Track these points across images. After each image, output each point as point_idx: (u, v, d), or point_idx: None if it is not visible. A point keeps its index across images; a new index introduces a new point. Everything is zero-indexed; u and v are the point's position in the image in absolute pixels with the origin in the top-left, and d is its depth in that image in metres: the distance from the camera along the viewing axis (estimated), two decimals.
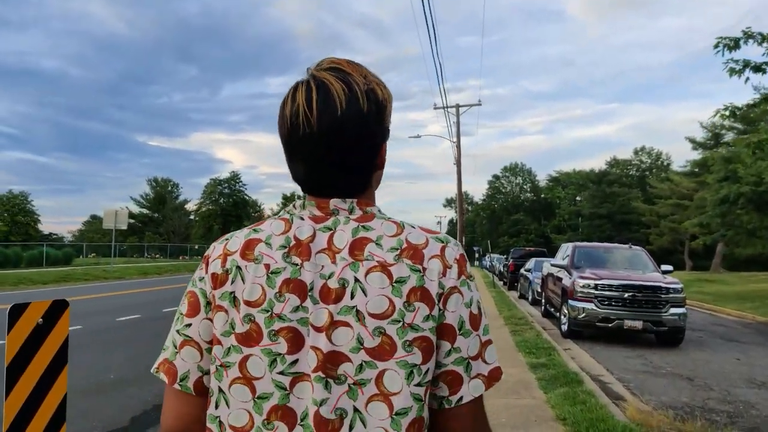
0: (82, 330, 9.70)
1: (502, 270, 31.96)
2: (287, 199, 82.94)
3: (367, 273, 0.87)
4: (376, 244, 0.89)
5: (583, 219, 68.48)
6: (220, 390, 0.89)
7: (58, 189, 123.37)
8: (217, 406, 0.90)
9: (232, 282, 0.90)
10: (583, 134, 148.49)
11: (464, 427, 0.90)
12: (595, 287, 9.88)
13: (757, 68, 12.51)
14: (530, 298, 17.98)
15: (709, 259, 44.48)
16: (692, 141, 46.85)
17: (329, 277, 0.87)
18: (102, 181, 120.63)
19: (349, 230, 0.91)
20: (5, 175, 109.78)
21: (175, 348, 0.95)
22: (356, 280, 0.86)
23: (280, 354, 0.86)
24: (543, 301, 14.04)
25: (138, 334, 9.67)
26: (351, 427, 0.84)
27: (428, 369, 0.86)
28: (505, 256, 35.83)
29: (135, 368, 6.92)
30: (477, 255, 56.62)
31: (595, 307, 9.79)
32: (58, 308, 2.53)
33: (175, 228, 72.14)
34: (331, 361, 0.84)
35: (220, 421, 0.89)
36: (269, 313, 0.87)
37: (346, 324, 0.85)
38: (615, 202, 65.20)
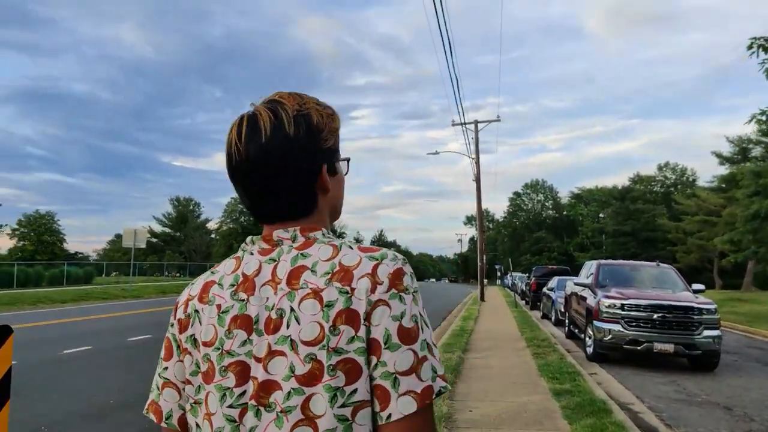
0: (90, 351, 9.49)
1: (524, 289, 31.36)
2: None
3: (300, 301, 0.87)
4: (311, 270, 0.90)
5: (607, 236, 67.20)
6: (197, 425, 0.94)
7: (86, 209, 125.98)
8: None
9: (192, 325, 0.95)
10: (605, 151, 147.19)
11: None
12: (622, 307, 9.37)
13: None
14: (553, 318, 17.44)
15: (739, 278, 43.17)
16: (719, 156, 45.77)
17: (272, 309, 0.89)
18: (128, 201, 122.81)
19: (289, 259, 0.92)
20: (35, 196, 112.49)
21: (158, 390, 1.00)
22: (291, 309, 0.87)
23: (228, 388, 0.89)
24: (566, 321, 13.50)
25: (146, 355, 9.38)
26: None
27: (355, 389, 0.84)
28: (527, 275, 35.20)
29: (136, 391, 6.62)
30: (498, 273, 56.04)
31: (622, 329, 9.27)
32: None
33: (196, 247, 72.52)
34: (264, 390, 0.86)
35: None
36: (220, 350, 0.90)
37: (282, 353, 0.86)
38: (639, 219, 63.86)
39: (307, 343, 0.85)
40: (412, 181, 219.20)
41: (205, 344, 0.92)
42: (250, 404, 0.87)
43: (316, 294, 0.87)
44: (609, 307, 9.49)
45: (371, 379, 0.86)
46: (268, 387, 0.86)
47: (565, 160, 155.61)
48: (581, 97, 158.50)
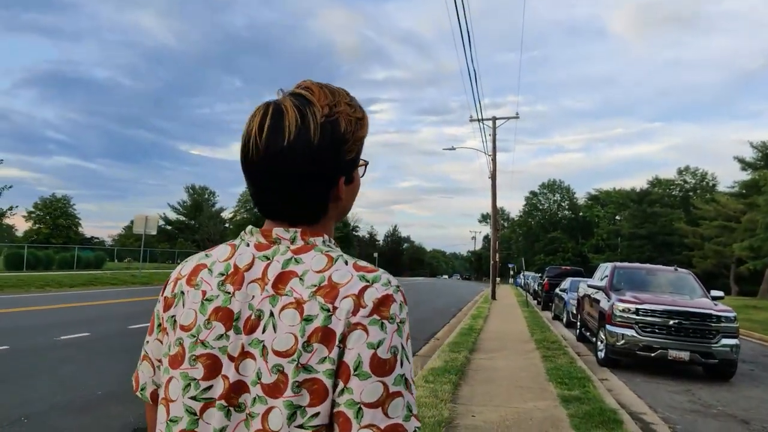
0: (87, 338, 9.31)
1: (536, 289, 30.97)
2: None
3: (282, 309, 0.84)
4: (300, 279, 0.86)
5: (623, 239, 66.37)
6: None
7: (103, 194, 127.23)
8: None
9: (175, 305, 0.93)
10: (624, 153, 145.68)
11: None
12: (636, 312, 9.00)
13: None
14: (565, 319, 17.09)
15: (756, 284, 42.37)
16: (741, 161, 44.92)
17: (254, 309, 0.86)
18: (145, 188, 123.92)
19: (282, 261, 0.89)
20: (54, 180, 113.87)
21: (141, 360, 1.01)
22: (271, 314, 0.85)
23: (195, 379, 0.86)
24: (578, 324, 13.14)
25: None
26: None
27: (318, 412, 0.81)
28: (540, 275, 34.77)
29: (127, 383, 6.38)
30: (512, 272, 55.71)
31: (635, 334, 8.91)
32: None
33: (210, 235, 72.73)
34: (235, 390, 0.84)
35: None
36: (195, 338, 0.88)
37: (252, 356, 0.84)
38: (656, 222, 63.02)
39: (277, 353, 0.82)
40: (429, 178, 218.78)
41: (182, 328, 0.90)
42: (219, 404, 0.84)
43: (299, 305, 0.83)
44: (623, 311, 9.12)
45: (334, 404, 0.81)
46: (239, 388, 0.84)
47: (583, 161, 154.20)
48: (602, 99, 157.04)
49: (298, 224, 0.92)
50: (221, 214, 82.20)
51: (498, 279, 31.23)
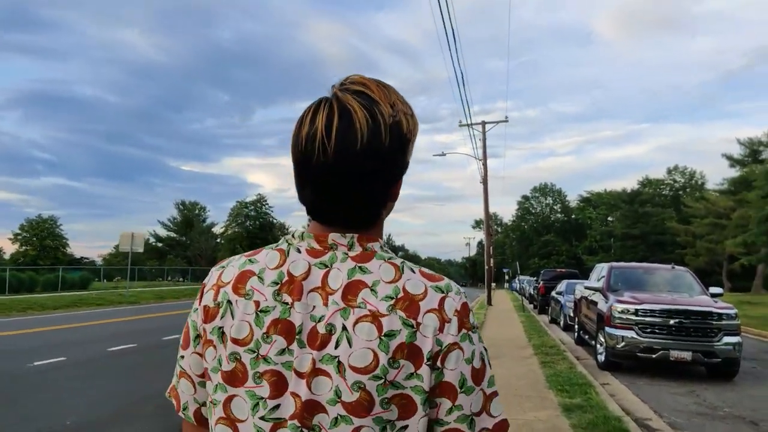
0: (63, 362, 8.87)
1: (532, 293, 30.67)
2: None
3: (356, 322, 0.81)
4: (371, 290, 0.83)
5: (616, 240, 66.28)
6: (211, 426, 0.87)
7: (93, 214, 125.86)
8: None
9: (222, 316, 0.86)
10: (614, 155, 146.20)
11: None
12: (636, 313, 8.69)
13: None
14: (562, 323, 16.78)
15: (748, 281, 42.33)
16: (729, 158, 44.94)
17: (319, 321, 0.82)
18: (135, 206, 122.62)
19: (345, 270, 0.85)
20: (42, 200, 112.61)
21: (177, 377, 0.95)
22: (344, 328, 0.81)
23: (262, 398, 0.82)
24: (576, 326, 12.82)
25: (124, 367, 8.79)
26: None
27: (406, 425, 0.80)
28: (535, 278, 34.49)
29: (98, 412, 6.03)
30: (507, 277, 55.52)
31: (635, 336, 8.59)
32: None
33: (201, 251, 72.02)
34: (308, 411, 0.80)
35: None
36: (255, 354, 0.83)
37: (327, 374, 0.80)
38: (648, 222, 62.96)
39: (356, 370, 0.79)
40: (421, 186, 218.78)
41: (235, 341, 0.84)
42: (292, 424, 0.80)
43: (375, 318, 0.81)
44: (622, 312, 8.81)
45: (440, 423, 0.83)
46: (312, 408, 0.80)
47: (574, 164, 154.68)
48: (590, 102, 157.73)
49: (353, 228, 0.88)
50: (212, 230, 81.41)
51: (493, 284, 30.91)
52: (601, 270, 11.50)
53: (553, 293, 19.86)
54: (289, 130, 0.90)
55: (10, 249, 73.07)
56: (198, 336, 0.89)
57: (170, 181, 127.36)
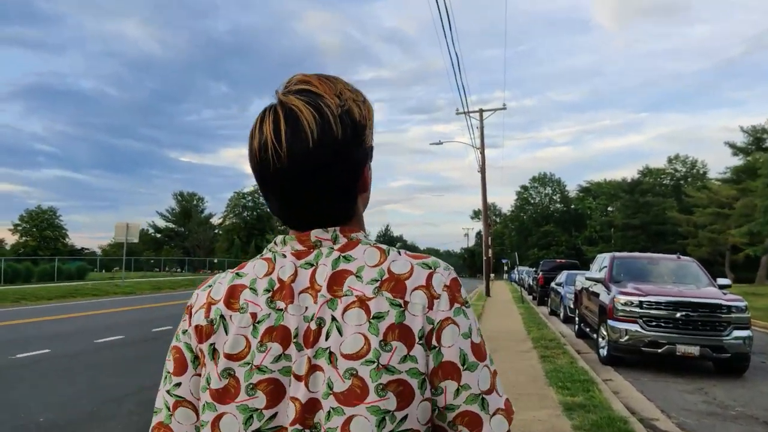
0: (47, 355, 8.56)
1: (531, 284, 30.38)
2: None
3: (345, 310, 0.78)
4: (356, 276, 0.81)
5: (616, 230, 65.93)
6: None
7: (94, 205, 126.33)
8: None
9: (215, 333, 0.83)
10: (613, 145, 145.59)
11: None
12: (640, 305, 8.35)
13: None
14: (562, 314, 16.44)
15: (752, 271, 41.97)
16: (732, 146, 44.47)
17: (311, 319, 0.79)
18: (135, 197, 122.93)
19: (329, 263, 0.82)
20: (44, 192, 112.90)
21: (169, 411, 0.86)
22: (333, 318, 0.78)
23: (257, 409, 0.78)
24: (577, 319, 12.49)
25: (108, 360, 8.45)
26: None
27: (406, 416, 0.75)
28: (534, 269, 34.18)
29: (78, 408, 5.70)
30: (505, 268, 55.35)
31: (640, 329, 8.25)
32: None
33: (199, 242, 71.74)
34: (308, 411, 0.76)
35: None
36: (249, 365, 0.79)
37: (320, 368, 0.77)
38: (649, 212, 62.57)
39: (348, 357, 0.76)
40: (419, 176, 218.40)
41: (229, 357, 0.80)
42: (294, 429, 0.76)
43: (362, 303, 0.78)
44: (625, 304, 8.47)
45: (450, 408, 0.78)
46: (311, 407, 0.76)
47: (573, 154, 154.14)
48: (588, 91, 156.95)
49: (335, 224, 0.86)
50: (210, 220, 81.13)
51: (492, 275, 30.62)
52: (602, 260, 11.15)
53: (553, 284, 19.54)
54: None
55: (11, 240, 73.01)
56: (196, 357, 0.85)
57: (169, 173, 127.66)
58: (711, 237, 46.79)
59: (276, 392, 0.78)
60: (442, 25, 22.74)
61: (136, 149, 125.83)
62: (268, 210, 0.89)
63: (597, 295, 9.95)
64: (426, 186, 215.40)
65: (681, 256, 10.76)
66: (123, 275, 26.03)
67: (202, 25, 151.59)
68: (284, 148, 0.80)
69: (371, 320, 0.76)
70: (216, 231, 79.02)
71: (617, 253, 11.07)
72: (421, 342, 0.77)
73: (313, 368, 0.77)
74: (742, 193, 38.08)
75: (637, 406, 6.28)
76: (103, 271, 45.79)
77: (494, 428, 0.77)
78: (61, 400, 6.01)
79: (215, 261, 57.40)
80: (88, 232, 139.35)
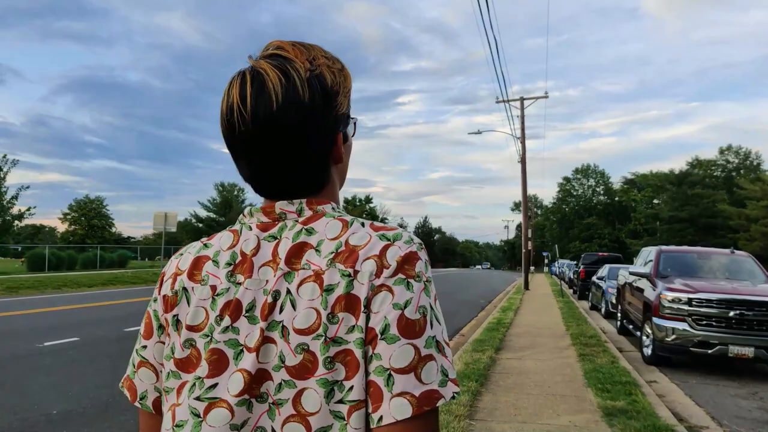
0: (75, 343, 8.53)
1: (571, 277, 29.57)
2: (348, 203, 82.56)
3: (300, 284, 0.77)
4: (316, 249, 0.79)
5: (662, 223, 63.81)
6: (164, 414, 0.85)
7: (140, 195, 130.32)
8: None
9: (178, 304, 0.84)
10: (660, 136, 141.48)
11: None
12: (689, 302, 7.77)
13: None
14: (603, 310, 15.80)
15: None
16: None
17: (268, 293, 0.79)
18: (180, 187, 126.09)
19: (291, 236, 0.81)
20: (93, 182, 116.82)
21: (134, 367, 0.91)
22: (288, 291, 0.77)
23: (199, 378, 0.79)
24: (619, 315, 11.89)
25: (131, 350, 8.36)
26: None
27: (353, 385, 0.74)
28: (575, 262, 33.28)
29: (92, 400, 5.57)
30: (546, 261, 54.47)
31: (688, 328, 7.69)
32: None
33: None
34: (256, 381, 0.76)
35: None
36: (209, 338, 0.80)
37: (273, 341, 0.76)
38: (698, 204, 60.21)
39: (299, 332, 0.75)
40: (459, 168, 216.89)
41: (190, 328, 0.82)
42: (240, 399, 0.76)
43: (318, 276, 0.77)
44: (673, 301, 7.90)
45: (366, 374, 0.75)
46: (260, 377, 0.76)
47: (618, 145, 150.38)
48: (635, 81, 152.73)
49: (304, 195, 0.85)
50: None
51: (532, 268, 29.95)
52: (648, 254, 10.51)
53: (594, 278, 18.82)
54: None
55: (61, 228, 75.55)
56: (161, 326, 0.87)
57: (212, 163, 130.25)
58: (764, 231, 44.76)
59: (219, 363, 0.77)
60: (479, 7, 22.13)
61: (180, 140, 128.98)
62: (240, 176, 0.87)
63: (641, 290, 9.37)
64: (466, 178, 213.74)
65: (735, 251, 10.05)
66: (161, 264, 26.41)
67: (245, 17, 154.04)
68: (248, 110, 0.79)
69: (323, 294, 0.75)
70: None
71: (664, 247, 10.43)
72: (365, 311, 0.74)
73: (266, 339, 0.76)
74: None
75: (684, 412, 5.78)
76: (146, 259, 46.77)
77: (392, 409, 0.71)
78: (80, 390, 5.88)
79: None
80: (135, 221, 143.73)
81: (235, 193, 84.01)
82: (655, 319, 8.11)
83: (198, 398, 0.77)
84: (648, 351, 8.44)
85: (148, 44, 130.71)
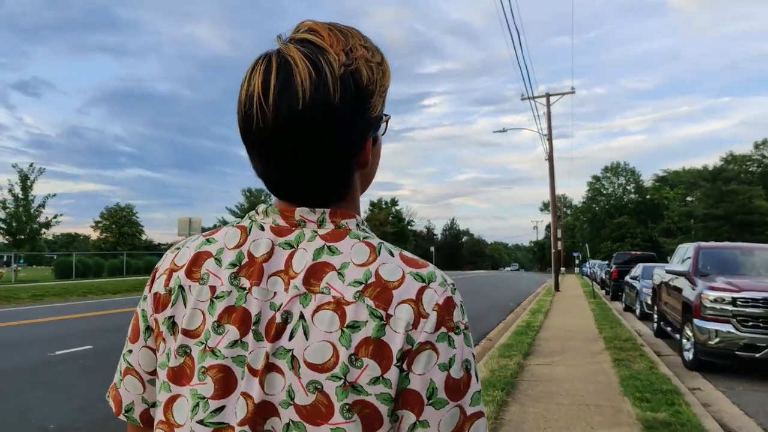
0: (88, 351, 8.34)
1: (603, 277, 28.73)
2: (374, 206, 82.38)
3: (316, 310, 0.69)
4: (339, 273, 0.71)
5: (696, 221, 62.09)
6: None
7: (171, 203, 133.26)
8: None
9: (173, 305, 0.75)
10: (692, 132, 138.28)
11: None
12: (733, 302, 7.19)
13: None
14: (638, 311, 15.10)
15: None
16: None
17: (278, 309, 0.70)
18: (209, 194, 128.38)
19: (311, 250, 0.73)
20: (126, 191, 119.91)
21: (120, 375, 0.82)
22: (301, 316, 0.69)
23: (204, 398, 0.70)
24: (655, 316, 11.26)
25: None
26: None
27: None
28: (607, 262, 32.37)
29: (96, 411, 5.29)
30: (577, 261, 53.48)
31: (733, 330, 7.10)
32: None
33: None
34: (261, 414, 0.68)
35: None
36: (203, 346, 0.72)
37: (279, 370, 0.68)
38: (734, 201, 58.39)
39: (312, 366, 0.67)
40: (487, 169, 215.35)
41: (186, 333, 0.73)
42: (242, 430, 0.67)
43: (338, 306, 0.69)
44: (715, 301, 7.32)
45: None
46: (265, 410, 0.68)
47: (648, 143, 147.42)
48: (665, 76, 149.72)
49: (322, 202, 0.76)
50: None
51: (562, 269, 29.22)
52: (685, 251, 9.89)
53: (628, 278, 18.11)
54: None
55: (94, 236, 77.08)
56: (148, 327, 0.78)
57: (240, 170, 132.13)
58: None
59: (226, 382, 0.70)
60: (503, 6, 21.63)
61: (209, 148, 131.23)
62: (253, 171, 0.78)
63: (679, 290, 8.78)
64: (493, 179, 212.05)
65: None
66: None
67: (270, 25, 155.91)
68: (270, 104, 0.70)
69: (344, 329, 0.67)
70: None
71: (703, 243, 9.79)
72: (397, 364, 0.67)
73: (270, 366, 0.68)
74: None
75: (733, 423, 5.24)
76: None
77: None
78: (82, 403, 5.62)
79: None
80: (166, 228, 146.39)
81: (262, 198, 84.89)
82: (696, 321, 7.54)
83: (201, 422, 0.69)
84: (689, 355, 7.86)
85: (176, 55, 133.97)
